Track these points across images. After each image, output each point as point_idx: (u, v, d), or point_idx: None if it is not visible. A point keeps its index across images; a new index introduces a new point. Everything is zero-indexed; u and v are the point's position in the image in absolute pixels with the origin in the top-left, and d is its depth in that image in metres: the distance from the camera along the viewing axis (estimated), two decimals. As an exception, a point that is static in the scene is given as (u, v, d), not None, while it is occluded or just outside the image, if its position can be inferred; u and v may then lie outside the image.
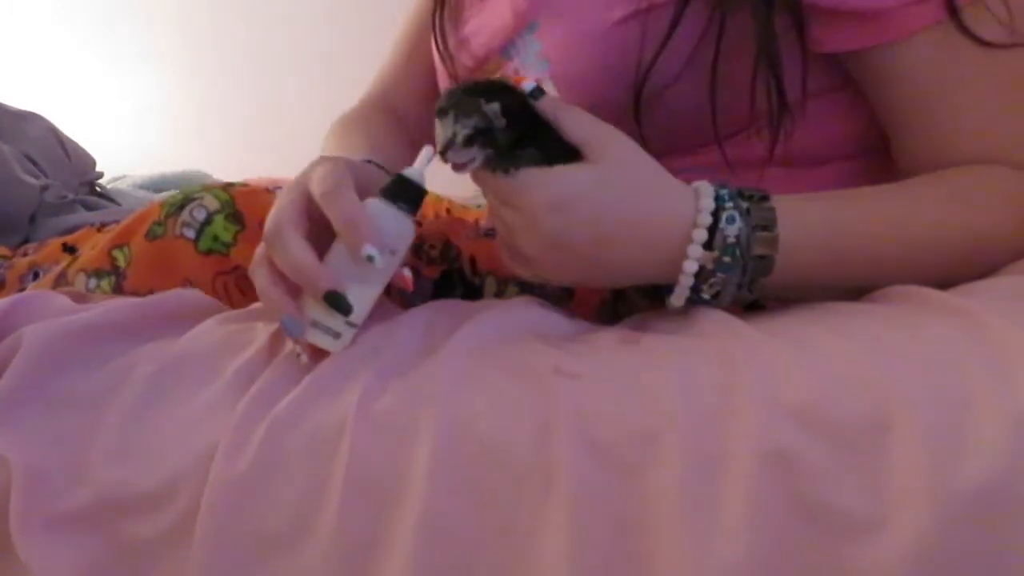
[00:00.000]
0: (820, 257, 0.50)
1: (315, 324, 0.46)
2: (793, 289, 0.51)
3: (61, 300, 0.53)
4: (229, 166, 1.79)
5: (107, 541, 0.41)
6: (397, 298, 0.61)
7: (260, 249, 0.49)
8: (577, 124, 0.49)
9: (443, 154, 0.48)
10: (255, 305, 0.55)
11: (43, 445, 0.43)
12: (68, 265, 0.63)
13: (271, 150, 2.57)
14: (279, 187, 0.66)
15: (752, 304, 0.61)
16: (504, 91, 0.49)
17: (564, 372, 0.42)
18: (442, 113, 0.48)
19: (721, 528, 0.34)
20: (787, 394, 0.37)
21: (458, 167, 0.48)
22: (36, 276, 0.66)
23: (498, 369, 0.43)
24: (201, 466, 0.41)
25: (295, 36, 2.25)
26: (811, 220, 0.49)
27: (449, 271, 0.62)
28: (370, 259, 0.45)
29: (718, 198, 0.48)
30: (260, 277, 0.48)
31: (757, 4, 0.52)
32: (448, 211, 0.99)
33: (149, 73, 2.77)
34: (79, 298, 0.55)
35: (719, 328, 0.45)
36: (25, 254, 0.73)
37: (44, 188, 1.20)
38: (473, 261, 0.63)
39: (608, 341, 0.47)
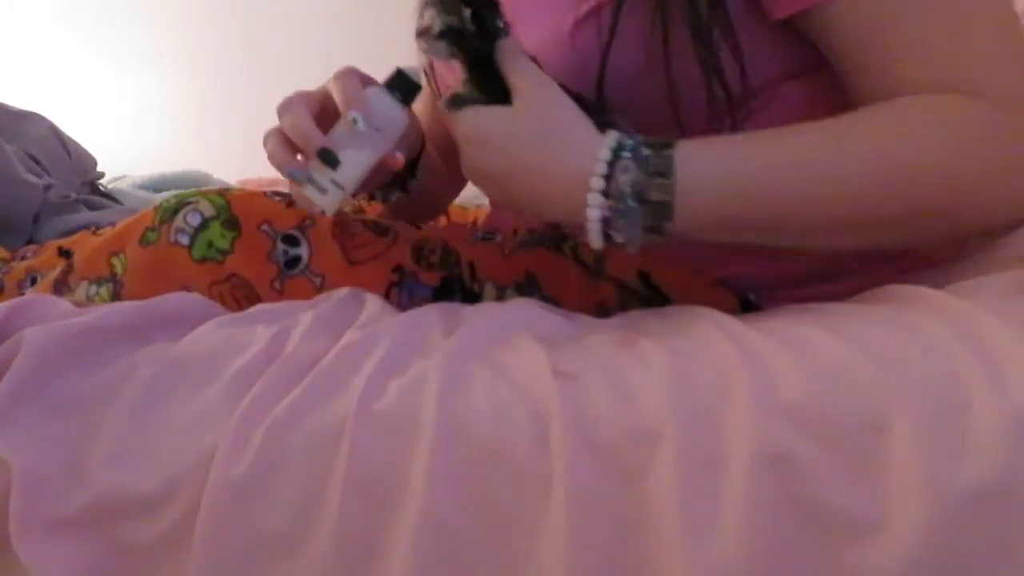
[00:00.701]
0: (722, 200, 0.50)
1: (310, 180, 0.57)
2: (704, 231, 0.52)
3: (61, 304, 0.53)
4: (229, 166, 1.79)
5: (107, 544, 0.41)
6: (398, 302, 0.61)
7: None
8: (515, 71, 0.54)
9: (417, 38, 0.56)
10: (255, 307, 0.55)
11: (43, 447, 0.43)
12: (68, 272, 0.63)
13: (271, 150, 2.57)
14: (276, 191, 0.67)
15: (747, 305, 0.61)
16: (489, 6, 0.54)
17: (563, 373, 0.42)
18: (429, 5, 0.55)
19: (720, 529, 0.34)
20: (784, 395, 0.37)
21: (426, 52, 0.57)
22: (34, 282, 0.66)
23: (497, 370, 0.44)
24: (201, 468, 0.41)
25: (295, 36, 2.25)
26: (713, 164, 0.51)
27: (448, 277, 0.62)
28: (354, 121, 0.56)
29: (619, 148, 0.50)
30: (271, 141, 0.58)
31: None
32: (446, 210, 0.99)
33: (149, 73, 2.77)
34: (79, 304, 0.55)
35: (715, 330, 0.45)
36: (23, 257, 0.73)
37: (47, 187, 1.20)
38: (472, 267, 0.63)
39: (606, 342, 0.47)
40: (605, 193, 0.50)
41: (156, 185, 1.62)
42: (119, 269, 0.61)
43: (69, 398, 0.45)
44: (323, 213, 0.59)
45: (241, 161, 2.04)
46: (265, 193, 0.65)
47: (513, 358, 0.45)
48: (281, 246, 0.61)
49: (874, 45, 0.53)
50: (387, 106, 0.59)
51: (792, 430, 0.36)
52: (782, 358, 0.40)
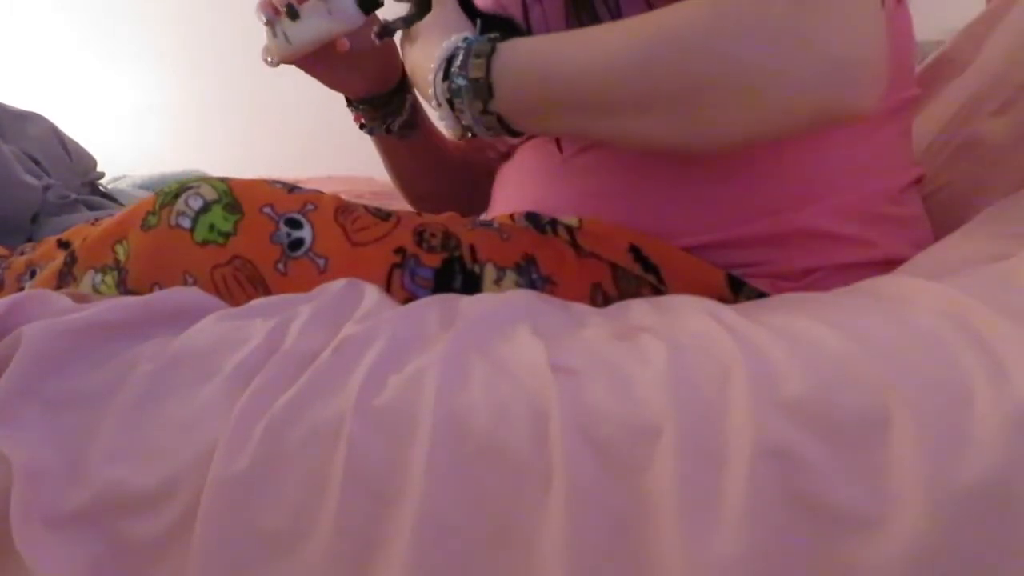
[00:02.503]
0: (528, 79, 0.58)
1: (273, 25, 0.73)
2: (525, 112, 0.60)
3: (61, 300, 0.53)
4: (229, 166, 1.79)
5: (108, 540, 0.41)
6: (399, 294, 0.62)
7: None
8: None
9: None
10: (253, 302, 0.55)
11: (43, 444, 0.43)
12: (71, 263, 0.63)
13: (271, 150, 2.58)
14: (277, 180, 0.67)
15: (732, 282, 0.64)
16: None
17: (562, 368, 0.42)
18: None
19: (720, 525, 0.34)
20: (785, 390, 0.37)
21: None
22: (33, 275, 0.66)
23: (496, 365, 0.44)
24: (201, 464, 0.41)
25: (295, 36, 2.24)
26: (525, 50, 0.59)
27: (450, 259, 0.63)
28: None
29: (463, 40, 0.60)
30: (260, 3, 0.74)
31: None
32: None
33: (149, 73, 2.78)
34: (79, 298, 0.55)
35: (714, 323, 0.45)
36: (22, 253, 0.73)
37: (46, 188, 1.20)
38: (473, 249, 0.64)
39: (605, 335, 0.47)
40: (445, 77, 0.60)
41: (156, 185, 1.62)
42: (123, 256, 0.61)
43: (69, 394, 0.45)
44: (270, 61, 0.76)
45: (241, 161, 2.04)
46: (266, 180, 0.65)
47: (512, 352, 0.45)
48: (284, 228, 0.61)
49: None
50: (349, 4, 0.73)
51: (792, 425, 0.36)
52: (782, 352, 0.40)
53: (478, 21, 0.67)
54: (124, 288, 0.60)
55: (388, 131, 0.88)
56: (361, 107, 0.87)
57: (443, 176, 0.96)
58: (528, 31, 0.69)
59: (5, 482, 0.41)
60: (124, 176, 1.76)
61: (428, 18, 0.68)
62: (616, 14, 0.64)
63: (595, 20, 0.65)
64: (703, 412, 0.38)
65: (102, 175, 1.45)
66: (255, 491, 0.40)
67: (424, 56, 0.65)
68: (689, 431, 0.37)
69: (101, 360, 0.47)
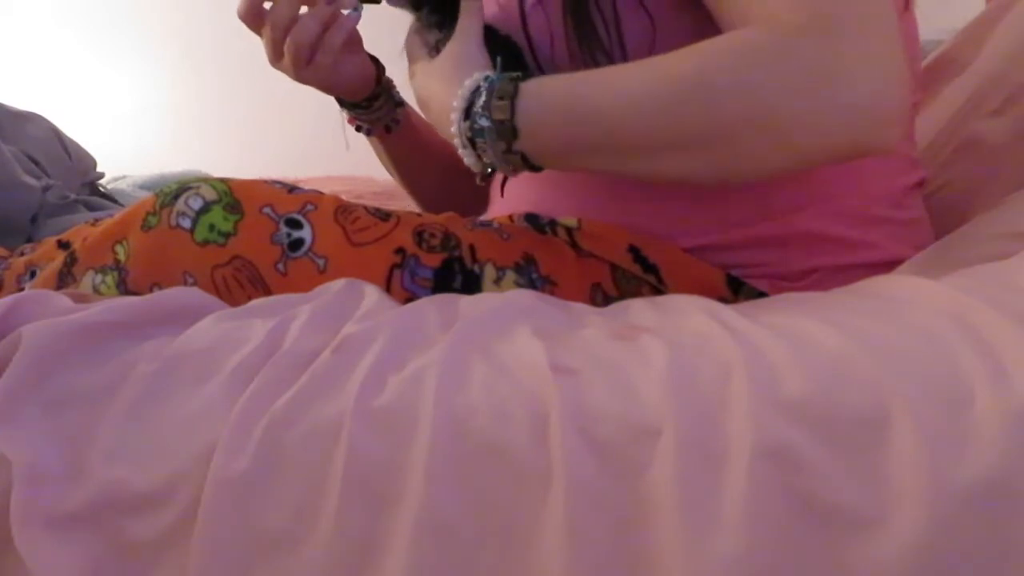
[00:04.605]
0: (554, 119, 0.57)
1: None
2: (550, 152, 0.59)
3: (61, 300, 0.53)
4: (229, 166, 1.80)
5: (108, 540, 0.41)
6: (399, 294, 0.62)
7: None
8: (459, 25, 0.67)
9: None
10: (253, 302, 0.55)
11: (43, 444, 0.43)
12: (71, 263, 0.63)
13: (271, 150, 2.58)
14: (276, 180, 0.67)
15: (731, 281, 0.64)
16: None
17: (562, 368, 0.42)
18: None
19: (720, 524, 0.34)
20: (785, 390, 0.37)
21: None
22: (33, 275, 0.66)
23: (496, 365, 0.44)
24: (201, 465, 0.41)
25: (295, 36, 2.25)
26: (548, 91, 0.58)
27: (449, 259, 0.63)
28: None
29: (484, 79, 0.59)
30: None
31: None
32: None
33: (149, 73, 2.78)
34: (79, 298, 0.55)
35: (714, 323, 0.45)
36: (22, 254, 0.73)
37: (46, 188, 1.20)
38: (472, 249, 0.64)
39: (605, 335, 0.47)
40: (467, 116, 0.59)
41: (156, 185, 1.62)
42: (123, 256, 0.61)
43: (69, 395, 0.45)
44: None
45: (240, 161, 2.04)
46: (266, 180, 0.65)
47: (511, 353, 0.45)
48: (284, 228, 0.62)
49: None
50: None
51: (792, 425, 0.36)
52: (782, 352, 0.40)
53: (499, 59, 0.65)
54: (124, 288, 0.60)
55: (387, 130, 0.88)
56: (354, 110, 0.86)
57: (449, 171, 0.96)
58: (529, 45, 0.69)
59: (5, 482, 0.41)
60: (124, 176, 1.76)
61: (446, 50, 0.66)
62: (614, 21, 0.64)
63: (591, 29, 0.64)
64: (703, 412, 0.38)
65: (102, 175, 1.45)
66: (255, 491, 0.40)
67: (441, 91, 0.63)
68: (689, 431, 0.37)
69: (101, 360, 0.47)
